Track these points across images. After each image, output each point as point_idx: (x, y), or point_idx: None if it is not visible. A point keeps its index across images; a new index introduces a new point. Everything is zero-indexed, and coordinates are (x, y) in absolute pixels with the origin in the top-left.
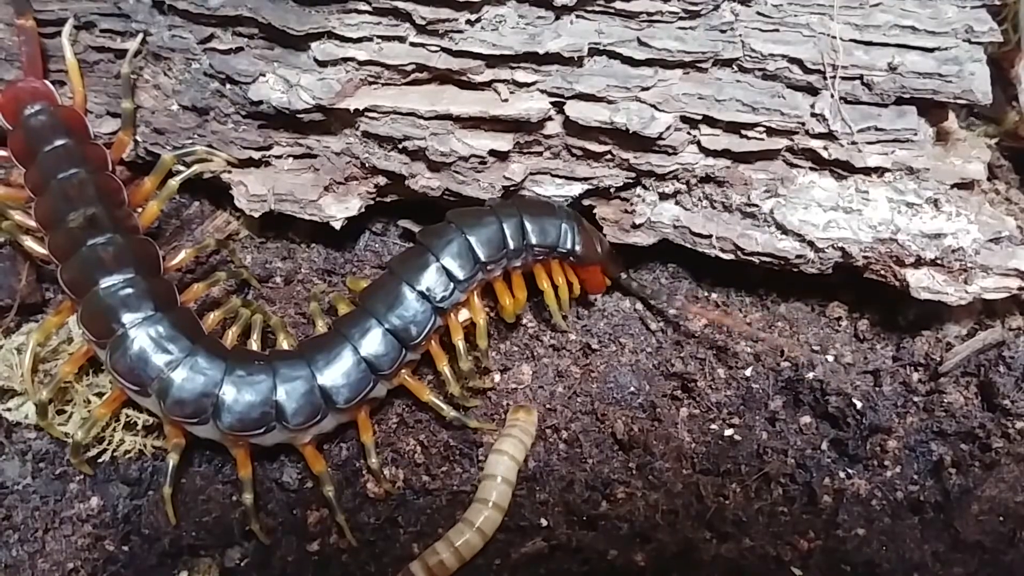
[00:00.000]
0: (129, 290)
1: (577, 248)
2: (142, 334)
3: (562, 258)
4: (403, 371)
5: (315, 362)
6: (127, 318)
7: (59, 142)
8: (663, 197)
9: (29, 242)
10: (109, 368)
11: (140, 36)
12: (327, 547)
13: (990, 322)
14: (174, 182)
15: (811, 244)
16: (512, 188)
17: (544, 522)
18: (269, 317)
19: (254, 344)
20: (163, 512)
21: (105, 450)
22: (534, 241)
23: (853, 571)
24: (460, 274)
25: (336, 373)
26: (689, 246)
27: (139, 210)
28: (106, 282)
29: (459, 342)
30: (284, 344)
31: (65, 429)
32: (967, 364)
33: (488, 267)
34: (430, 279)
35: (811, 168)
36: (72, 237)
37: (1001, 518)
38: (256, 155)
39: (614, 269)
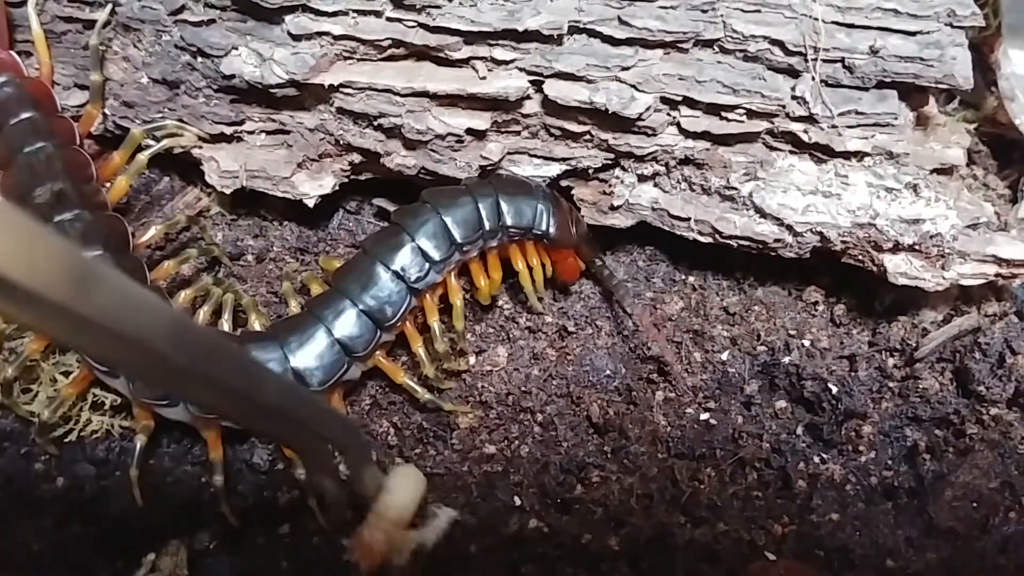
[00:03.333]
0: None
1: (551, 230)
2: None
3: (537, 240)
4: (378, 353)
5: (288, 343)
6: None
7: (25, 115)
8: (642, 179)
9: None
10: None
11: (109, 7)
12: (297, 529)
13: (966, 308)
14: (143, 157)
15: (789, 228)
16: (489, 167)
17: (518, 505)
18: (241, 297)
19: (225, 325)
20: (131, 493)
21: (72, 430)
22: (509, 222)
23: (827, 556)
24: (436, 255)
25: (309, 355)
26: (667, 229)
27: (108, 185)
28: None
29: (435, 323)
30: (256, 325)
31: (31, 408)
32: (943, 350)
33: (464, 248)
34: (405, 259)
35: (791, 151)
36: (38, 213)
37: (974, 504)
38: (228, 130)
39: (589, 253)
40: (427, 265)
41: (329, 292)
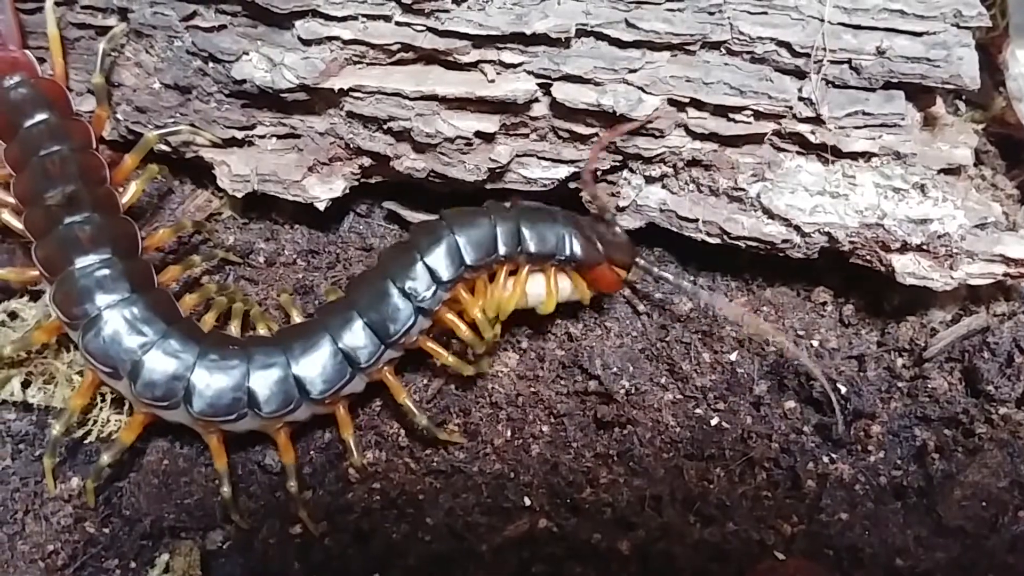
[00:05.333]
0: (105, 271)
1: (577, 253)
2: (116, 316)
3: (562, 264)
4: (385, 368)
5: (292, 350)
6: (102, 300)
7: (40, 116)
8: (649, 180)
9: (6, 215)
10: (82, 350)
11: (123, 25)
12: (310, 530)
13: (975, 308)
14: (155, 166)
15: (797, 229)
16: (498, 170)
17: (528, 505)
18: (251, 305)
19: (234, 330)
20: (144, 493)
21: (90, 431)
22: (532, 249)
23: (836, 555)
24: (444, 274)
25: (313, 363)
26: (675, 230)
27: (120, 189)
28: (82, 262)
29: (462, 330)
30: (262, 330)
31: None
32: (951, 350)
33: (476, 269)
34: (414, 277)
35: (798, 152)
36: (49, 214)
37: (983, 503)
38: (239, 135)
39: (625, 260)
40: (434, 285)
41: (339, 301)
